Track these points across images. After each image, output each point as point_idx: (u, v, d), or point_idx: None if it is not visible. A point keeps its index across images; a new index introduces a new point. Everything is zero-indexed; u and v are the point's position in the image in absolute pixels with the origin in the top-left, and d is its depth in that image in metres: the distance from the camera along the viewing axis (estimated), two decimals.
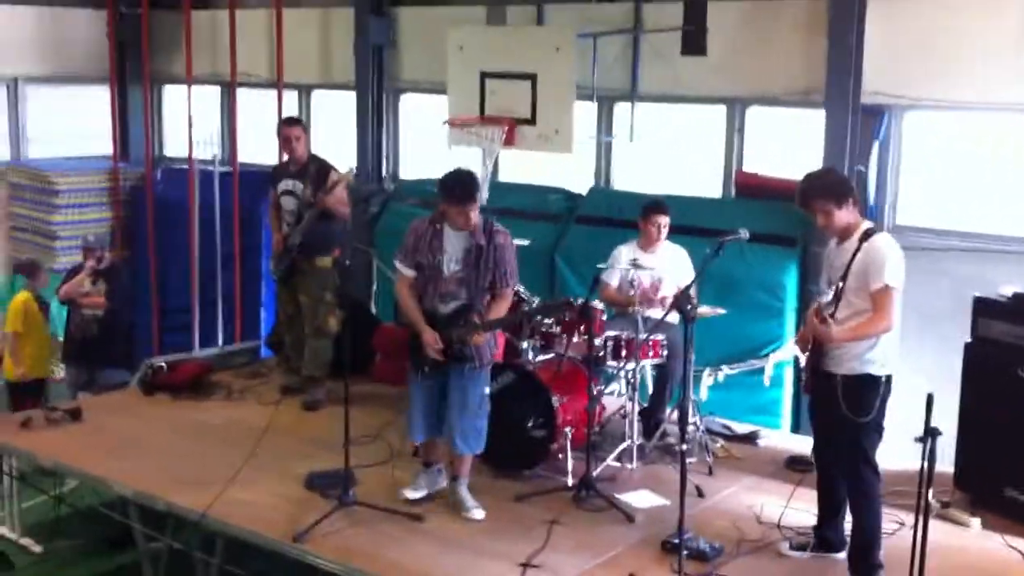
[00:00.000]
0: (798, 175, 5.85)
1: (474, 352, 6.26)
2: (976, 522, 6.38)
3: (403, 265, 6.37)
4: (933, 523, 4.88)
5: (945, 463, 6.00)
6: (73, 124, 13.54)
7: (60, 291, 9.69)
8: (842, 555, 5.84)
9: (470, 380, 6.33)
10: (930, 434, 4.64)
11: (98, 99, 13.24)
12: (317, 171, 8.35)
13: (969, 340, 6.70)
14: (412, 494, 6.58)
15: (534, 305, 7.40)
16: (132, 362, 9.65)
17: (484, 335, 6.25)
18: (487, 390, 6.47)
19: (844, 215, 5.62)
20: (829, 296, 5.61)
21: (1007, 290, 6.60)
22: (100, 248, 9.79)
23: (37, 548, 7.73)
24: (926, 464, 4.63)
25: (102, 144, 13.20)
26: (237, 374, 9.31)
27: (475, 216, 6.19)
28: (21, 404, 9.01)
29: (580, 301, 7.15)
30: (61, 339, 10.04)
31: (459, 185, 6.20)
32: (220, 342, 10.64)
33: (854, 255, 5.56)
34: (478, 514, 6.39)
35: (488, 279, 6.26)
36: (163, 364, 8.85)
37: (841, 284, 5.57)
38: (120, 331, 9.88)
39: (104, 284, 9.61)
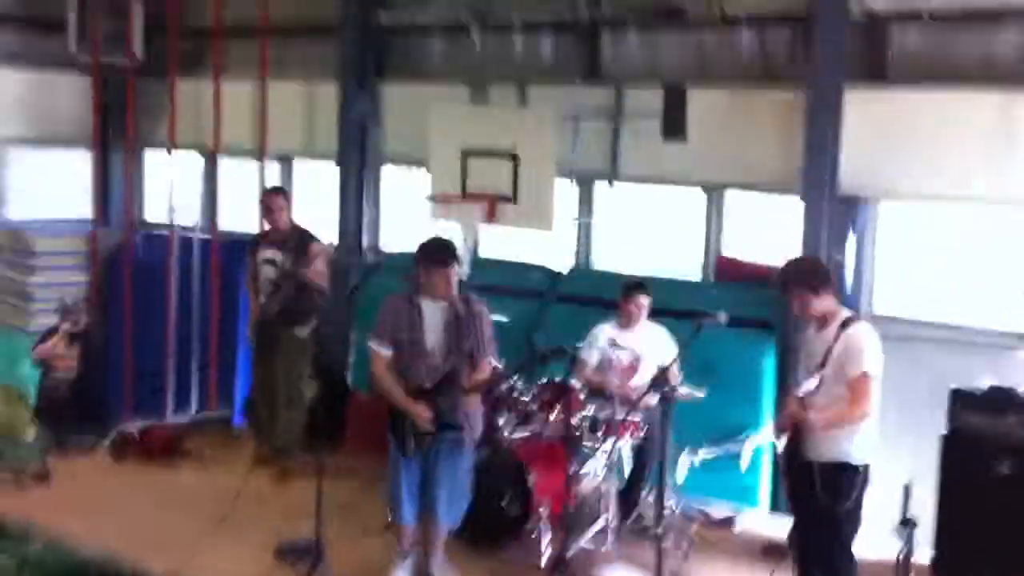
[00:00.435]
0: (778, 260, 5.90)
1: (463, 420, 6.20)
2: None
3: (380, 345, 6.27)
4: None
5: (922, 553, 6.02)
6: (54, 186, 13.51)
7: (35, 352, 9.62)
8: None
9: (459, 453, 6.27)
10: (908, 523, 4.66)
11: (80, 163, 13.23)
12: (298, 242, 8.38)
13: (946, 432, 6.75)
14: None
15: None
16: (104, 425, 9.52)
17: (472, 399, 6.21)
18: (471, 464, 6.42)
19: (820, 304, 5.67)
20: (810, 385, 5.64)
21: (984, 382, 6.66)
22: (77, 311, 9.74)
23: None
24: (904, 552, 4.64)
25: (83, 207, 13.17)
26: (210, 441, 9.24)
27: (455, 282, 6.20)
28: None
29: (559, 378, 7.15)
30: (33, 402, 9.92)
31: (440, 248, 6.29)
32: (194, 408, 10.56)
33: (833, 343, 5.60)
34: None
35: (468, 346, 6.21)
36: (135, 431, 8.77)
37: (821, 372, 5.60)
38: (92, 394, 9.79)
39: (78, 346, 9.56)
